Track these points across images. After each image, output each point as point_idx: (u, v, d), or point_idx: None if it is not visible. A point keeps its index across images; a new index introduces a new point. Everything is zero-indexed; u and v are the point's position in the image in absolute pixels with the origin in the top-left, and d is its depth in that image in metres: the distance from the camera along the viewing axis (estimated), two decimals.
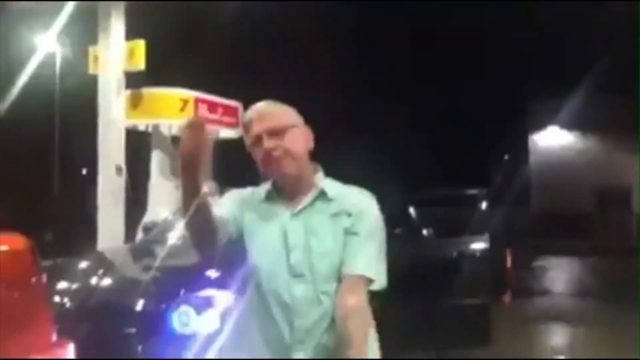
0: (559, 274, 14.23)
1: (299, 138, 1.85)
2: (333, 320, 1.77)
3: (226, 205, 1.86)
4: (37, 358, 2.59)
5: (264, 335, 1.81)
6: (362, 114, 19.88)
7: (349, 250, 1.79)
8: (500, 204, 9.64)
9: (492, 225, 6.60)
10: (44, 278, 2.89)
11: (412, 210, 6.23)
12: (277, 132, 1.80)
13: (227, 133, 8.78)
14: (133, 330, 3.82)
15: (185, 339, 3.47)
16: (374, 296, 1.89)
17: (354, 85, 20.00)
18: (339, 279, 1.78)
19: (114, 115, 7.22)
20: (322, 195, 1.85)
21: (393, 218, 5.91)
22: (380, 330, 4.82)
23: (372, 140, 20.01)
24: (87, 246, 8.14)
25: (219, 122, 8.38)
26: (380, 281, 1.80)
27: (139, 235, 7.08)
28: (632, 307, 8.89)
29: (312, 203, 1.84)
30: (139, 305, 4.00)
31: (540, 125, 22.49)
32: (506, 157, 26.86)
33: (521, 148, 23.22)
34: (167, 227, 5.69)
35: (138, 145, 8.22)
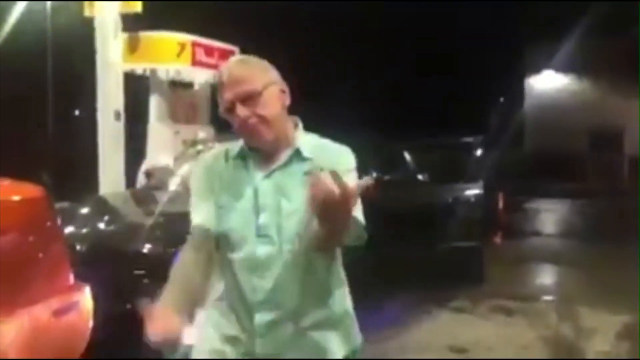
0: (550, 216, 14.51)
1: (274, 100, 1.75)
2: (296, 281, 1.74)
3: (205, 206, 1.79)
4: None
5: (230, 298, 1.79)
6: (356, 57, 19.68)
7: None
8: (494, 147, 9.77)
9: (486, 171, 6.76)
10: (60, 223, 3.01)
11: (407, 155, 6.35)
12: (250, 97, 1.70)
13: None
14: (142, 272, 3.98)
15: None
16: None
17: (347, 29, 19.72)
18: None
19: (112, 59, 7.20)
20: (297, 154, 1.77)
21: (389, 163, 6.07)
22: (376, 271, 5.00)
23: (367, 85, 19.91)
24: (86, 189, 8.26)
25: (216, 66, 8.35)
26: (358, 231, 1.71)
27: (140, 181, 7.20)
28: (619, 248, 9.17)
29: (285, 163, 1.76)
30: (146, 248, 4.15)
31: (535, 69, 22.41)
32: (502, 99, 26.84)
33: (517, 91, 23.20)
34: (168, 173, 5.81)
35: (136, 89, 8.22)
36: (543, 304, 6.25)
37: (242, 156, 1.80)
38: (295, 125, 1.81)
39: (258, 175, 1.77)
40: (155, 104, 8.14)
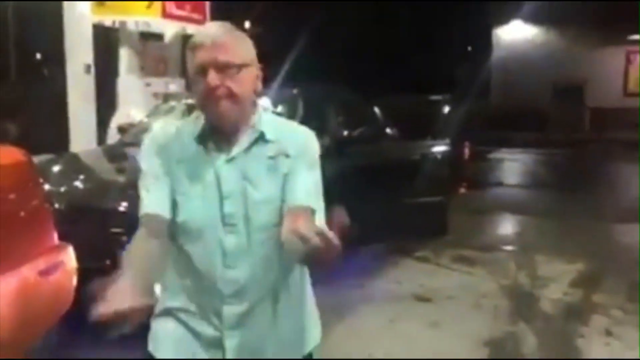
0: (513, 165, 14.92)
1: (248, 80, 1.63)
2: (265, 271, 1.67)
3: (158, 190, 1.64)
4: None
5: (189, 292, 1.68)
6: (325, 12, 19.46)
7: (288, 187, 1.64)
8: (462, 100, 9.97)
9: (453, 124, 6.97)
10: (42, 185, 3.10)
11: (377, 111, 6.50)
12: (227, 68, 1.58)
13: (194, 29, 8.70)
14: (120, 229, 4.09)
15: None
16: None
17: None
18: (276, 224, 1.61)
19: (80, 12, 7.09)
20: (260, 137, 1.66)
21: (360, 118, 6.22)
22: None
23: (338, 40, 19.77)
24: (56, 143, 8.22)
25: (187, 19, 8.30)
26: (319, 215, 1.62)
27: (111, 135, 7.21)
28: (580, 198, 9.60)
29: (249, 146, 1.65)
30: (122, 206, 4.25)
31: (503, 19, 22.49)
32: (469, 48, 26.95)
33: (484, 42, 23.31)
34: (141, 129, 5.85)
35: (105, 41, 8.12)
36: (503, 254, 6.58)
37: (201, 136, 1.65)
38: (255, 108, 1.69)
39: (219, 159, 1.64)
40: (125, 57, 8.07)
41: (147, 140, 1.71)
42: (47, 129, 10.08)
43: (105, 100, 7.90)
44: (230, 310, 1.66)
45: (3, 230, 2.62)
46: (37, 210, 2.91)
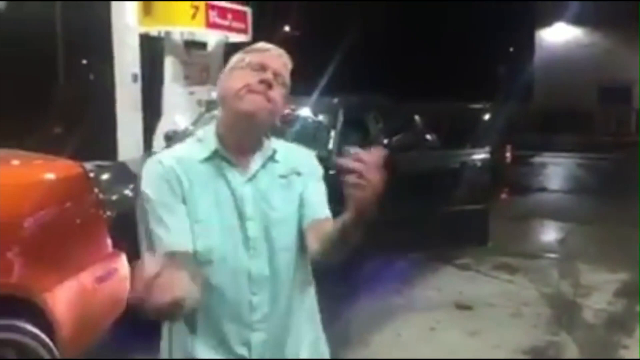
0: (557, 170, 14.66)
1: (283, 98, 1.62)
2: (292, 296, 1.63)
3: (176, 221, 1.52)
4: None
5: (209, 320, 1.58)
6: (367, 20, 19.47)
7: (308, 204, 1.62)
8: (503, 103, 9.89)
9: (494, 130, 6.94)
10: (98, 195, 3.26)
11: (418, 119, 6.54)
12: (277, 76, 1.59)
13: (236, 38, 8.90)
14: None
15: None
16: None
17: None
18: (295, 245, 1.62)
19: (128, 23, 7.34)
20: (272, 156, 1.63)
21: (400, 126, 6.26)
22: (385, 230, 5.24)
23: (379, 48, 19.77)
24: (104, 150, 8.50)
25: (229, 28, 8.49)
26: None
27: (157, 143, 7.43)
28: (626, 204, 9.35)
29: (263, 165, 1.61)
30: None
31: (547, 21, 22.16)
32: (511, 49, 26.62)
33: (527, 44, 23.01)
34: (187, 136, 6.02)
35: (151, 51, 8.37)
36: (545, 261, 6.52)
37: (212, 156, 1.57)
38: (270, 128, 1.66)
39: (236, 179, 1.57)
40: (169, 66, 8.30)
41: (150, 167, 1.58)
42: (95, 135, 10.42)
43: (151, 108, 8.14)
44: (259, 337, 1.58)
45: (63, 240, 2.78)
46: (93, 220, 3.06)
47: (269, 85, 1.56)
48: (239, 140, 1.59)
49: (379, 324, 4.55)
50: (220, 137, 1.59)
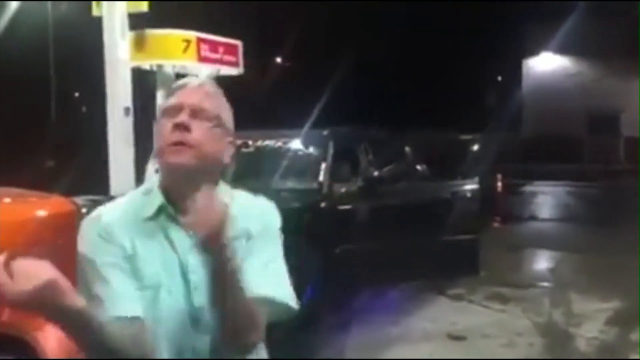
0: (547, 199, 14.75)
1: (219, 139, 1.39)
2: None
3: (120, 275, 1.33)
4: None
5: None
6: (355, 52, 19.79)
7: (251, 272, 1.34)
8: (492, 131, 10.01)
9: (484, 160, 7.03)
10: None
11: (408, 150, 6.60)
12: (201, 116, 1.35)
13: (227, 71, 8.99)
14: None
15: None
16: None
17: (345, 24, 19.82)
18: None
19: (120, 57, 7.42)
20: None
21: (389, 157, 6.32)
22: (377, 260, 5.23)
23: (369, 79, 20.04)
24: (95, 183, 8.50)
25: (220, 61, 8.59)
26: (290, 305, 1.41)
27: (148, 177, 7.44)
28: (617, 232, 9.40)
29: None
30: None
31: (533, 51, 22.54)
32: (499, 78, 27.01)
33: (515, 72, 23.37)
34: None
35: (142, 84, 8.44)
36: (537, 291, 6.55)
37: (158, 215, 1.36)
38: (220, 177, 1.42)
39: (182, 243, 1.35)
40: (161, 99, 8.35)
41: (88, 225, 1.39)
42: (87, 169, 10.44)
43: (143, 141, 8.17)
44: None
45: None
46: None
47: (185, 128, 1.33)
48: (182, 195, 1.30)
49: (373, 354, 4.54)
50: (165, 192, 1.37)
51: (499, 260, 7.34)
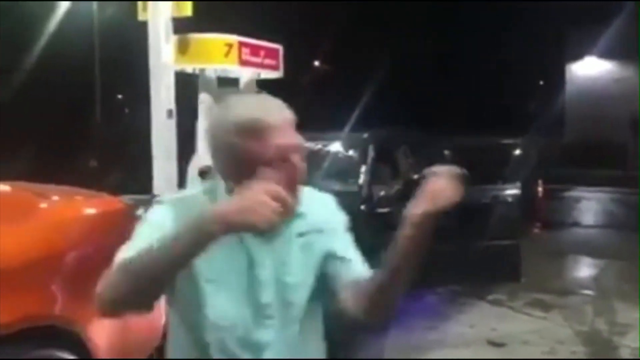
0: (590, 205, 14.46)
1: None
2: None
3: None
4: None
5: None
6: (396, 55, 19.71)
7: (344, 261, 1.49)
8: (534, 136, 9.85)
9: (526, 165, 6.91)
10: None
11: (447, 155, 6.56)
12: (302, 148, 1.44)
13: (267, 74, 9.08)
14: None
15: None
16: None
17: (387, 27, 19.77)
18: (312, 313, 1.50)
19: (164, 61, 7.56)
20: (299, 215, 1.46)
21: (429, 161, 6.30)
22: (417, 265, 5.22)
23: (408, 83, 19.94)
24: (140, 183, 8.69)
25: (261, 65, 8.67)
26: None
27: (190, 178, 7.56)
28: None
29: (287, 226, 1.44)
30: None
31: (577, 55, 22.10)
32: (542, 82, 26.55)
33: (558, 77, 22.94)
34: None
35: (185, 87, 8.59)
36: (579, 298, 6.42)
37: None
38: None
39: (252, 242, 1.42)
40: (203, 101, 8.48)
41: (158, 211, 1.46)
42: (131, 170, 10.69)
43: (185, 143, 8.31)
44: None
45: (103, 272, 2.87)
46: None
47: (304, 166, 1.43)
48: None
49: (409, 353, 4.53)
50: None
51: (540, 267, 7.23)
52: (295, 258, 1.46)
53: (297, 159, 1.40)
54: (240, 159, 1.38)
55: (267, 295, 1.42)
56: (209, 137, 1.46)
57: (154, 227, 1.42)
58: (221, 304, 1.41)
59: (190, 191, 1.57)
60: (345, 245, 1.53)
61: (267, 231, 1.30)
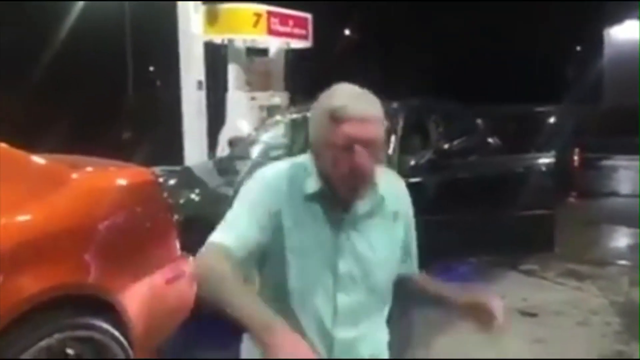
0: (628, 174, 14.09)
1: (382, 150, 1.63)
2: (373, 327, 1.70)
3: (247, 222, 1.55)
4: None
5: None
6: (430, 23, 19.29)
7: (411, 253, 1.78)
8: (570, 103, 9.57)
9: (561, 133, 6.75)
10: (167, 200, 3.38)
11: (480, 122, 6.45)
12: (373, 143, 1.54)
13: (297, 44, 9.02)
14: None
15: None
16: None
17: None
18: (389, 286, 1.71)
19: (193, 31, 7.56)
20: (380, 198, 1.65)
21: (460, 130, 6.19)
22: (448, 233, 5.17)
23: (443, 51, 19.54)
24: (169, 151, 8.78)
25: (290, 35, 8.62)
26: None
27: (221, 148, 7.62)
28: None
29: (370, 210, 1.63)
30: None
31: (616, 19, 21.35)
32: (578, 48, 25.81)
33: (595, 42, 22.24)
34: (250, 142, 6.17)
35: (214, 58, 8.59)
36: (615, 269, 6.31)
37: (316, 194, 1.59)
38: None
39: (338, 218, 1.59)
40: (232, 72, 8.49)
41: (259, 180, 1.63)
42: (162, 141, 10.78)
43: (215, 114, 8.35)
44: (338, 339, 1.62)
45: (136, 243, 2.91)
46: (163, 224, 3.19)
47: (370, 159, 1.55)
48: (346, 196, 1.59)
49: (441, 327, 4.52)
50: (325, 179, 1.59)
51: (575, 237, 7.11)
52: (379, 238, 1.63)
53: (359, 150, 1.51)
54: (320, 138, 1.56)
55: (347, 265, 1.59)
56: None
57: (257, 204, 1.57)
58: (304, 271, 1.57)
59: (283, 163, 1.67)
60: (412, 238, 1.76)
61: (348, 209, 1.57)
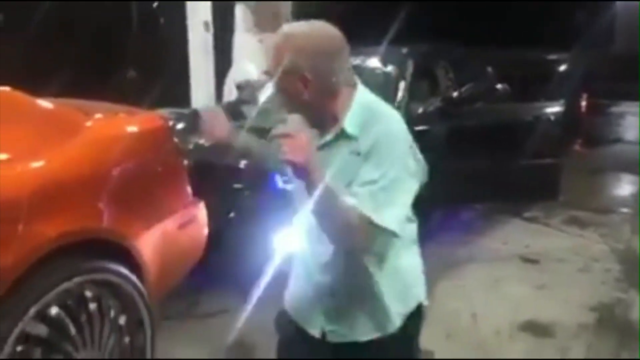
0: (636, 121, 13.98)
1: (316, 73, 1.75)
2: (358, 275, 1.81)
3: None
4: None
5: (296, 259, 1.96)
6: None
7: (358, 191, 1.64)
8: (581, 48, 9.37)
9: (570, 81, 6.65)
10: (178, 145, 3.41)
11: (489, 69, 6.39)
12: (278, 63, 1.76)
13: None
14: (240, 185, 4.41)
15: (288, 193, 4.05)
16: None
17: None
18: None
19: None
20: (342, 134, 1.71)
21: (470, 76, 6.14)
22: (448, 184, 5.20)
23: None
24: (176, 93, 8.72)
25: None
26: (388, 228, 1.63)
27: (226, 92, 7.58)
28: None
29: (330, 142, 1.74)
30: (242, 163, 4.53)
31: None
32: None
33: None
34: (258, 86, 6.12)
35: None
36: (617, 216, 6.38)
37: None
38: (346, 96, 1.74)
39: (317, 147, 1.72)
40: (240, 14, 8.35)
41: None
42: (168, 82, 10.67)
43: (222, 56, 8.26)
44: (323, 278, 1.84)
45: (148, 188, 2.97)
46: (175, 170, 3.24)
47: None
48: (308, 120, 1.74)
49: (442, 273, 4.63)
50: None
51: (579, 184, 7.13)
52: (338, 174, 1.61)
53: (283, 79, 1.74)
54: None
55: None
56: None
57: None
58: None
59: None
60: (361, 176, 1.65)
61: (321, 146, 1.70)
